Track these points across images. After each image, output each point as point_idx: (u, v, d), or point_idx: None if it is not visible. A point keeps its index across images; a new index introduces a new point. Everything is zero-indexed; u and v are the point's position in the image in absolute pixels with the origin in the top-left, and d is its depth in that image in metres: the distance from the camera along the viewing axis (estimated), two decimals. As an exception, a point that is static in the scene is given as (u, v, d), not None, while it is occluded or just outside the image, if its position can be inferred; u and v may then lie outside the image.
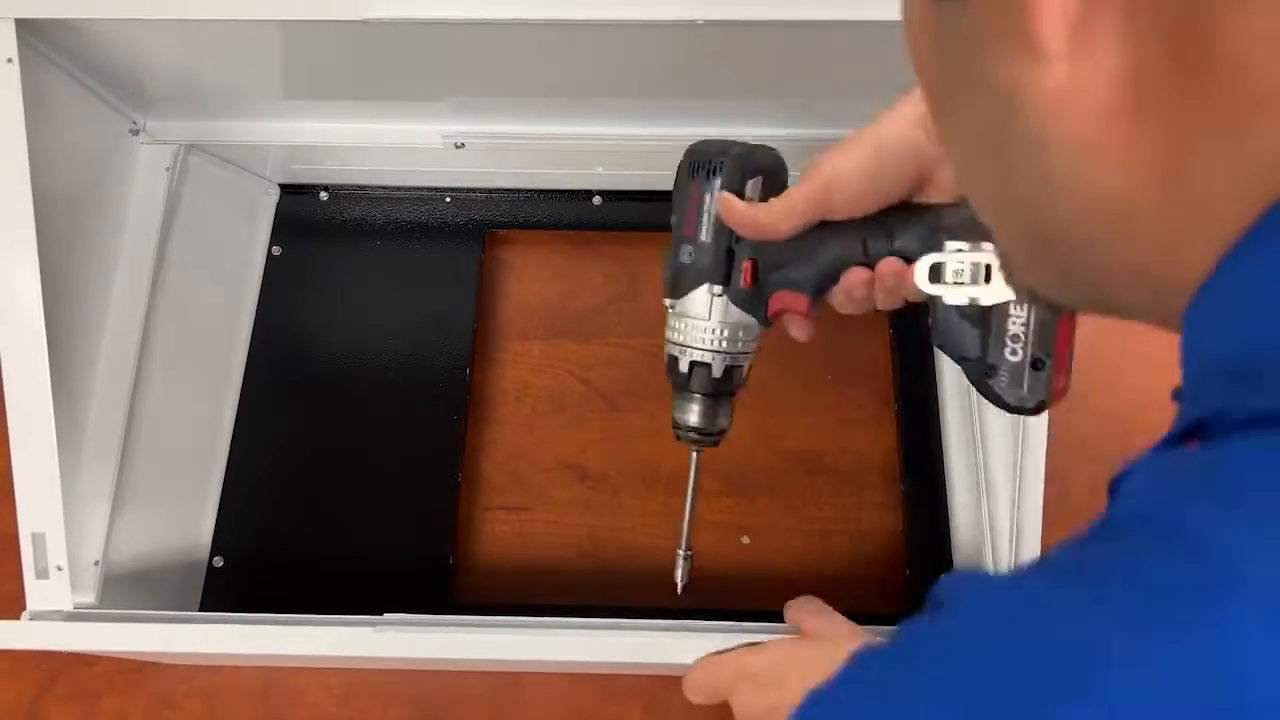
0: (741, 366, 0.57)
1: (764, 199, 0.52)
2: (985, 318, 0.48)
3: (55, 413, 0.59)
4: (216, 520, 0.74)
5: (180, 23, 0.63)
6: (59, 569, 0.59)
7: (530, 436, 0.78)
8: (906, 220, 0.49)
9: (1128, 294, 0.27)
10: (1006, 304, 0.48)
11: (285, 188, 0.83)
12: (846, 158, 0.47)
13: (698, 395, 0.57)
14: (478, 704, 0.71)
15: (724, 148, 0.54)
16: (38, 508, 0.59)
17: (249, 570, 0.73)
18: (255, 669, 0.72)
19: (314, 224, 0.83)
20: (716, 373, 0.56)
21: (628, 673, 0.70)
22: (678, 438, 0.60)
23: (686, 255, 0.55)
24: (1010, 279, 0.32)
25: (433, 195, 0.83)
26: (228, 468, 0.75)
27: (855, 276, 0.50)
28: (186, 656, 0.68)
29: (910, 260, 0.49)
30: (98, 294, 0.69)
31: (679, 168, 0.56)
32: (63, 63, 0.65)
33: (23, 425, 0.59)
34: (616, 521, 0.75)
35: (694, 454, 0.60)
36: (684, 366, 0.56)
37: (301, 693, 0.71)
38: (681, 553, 0.61)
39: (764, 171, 0.54)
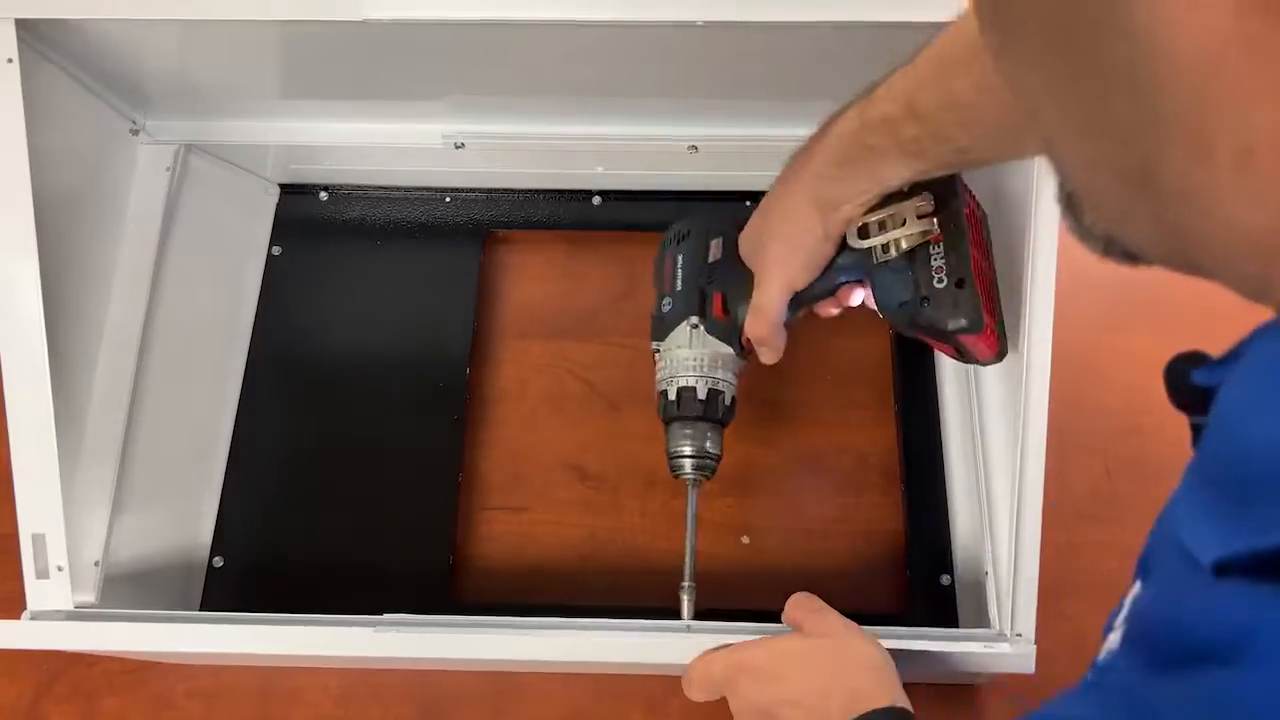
0: (724, 393, 0.64)
1: (725, 252, 0.65)
2: (910, 263, 0.57)
3: (55, 413, 0.59)
4: (216, 520, 0.74)
5: (180, 23, 0.63)
6: (59, 569, 0.59)
7: (530, 436, 0.78)
8: (842, 253, 0.59)
9: (1231, 260, 0.23)
10: (925, 244, 0.57)
11: (285, 188, 0.83)
12: (795, 258, 0.59)
13: (688, 420, 0.63)
14: (477, 704, 0.71)
15: (687, 223, 0.68)
16: (38, 508, 0.59)
17: (249, 570, 0.73)
18: (255, 669, 0.72)
19: (314, 224, 0.83)
20: (701, 394, 0.63)
21: (628, 673, 0.70)
22: (675, 474, 0.65)
23: (666, 304, 0.65)
24: (1085, 225, 0.29)
25: (433, 195, 0.83)
26: (228, 468, 0.75)
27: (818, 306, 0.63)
28: (187, 656, 0.68)
29: (856, 281, 0.60)
30: (98, 294, 0.69)
31: (658, 251, 0.68)
32: (63, 63, 0.65)
33: (23, 426, 0.59)
34: (616, 522, 0.75)
35: (692, 489, 0.64)
36: (672, 395, 0.63)
37: (301, 693, 0.71)
38: (686, 584, 0.63)
39: (721, 233, 0.65)
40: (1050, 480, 0.59)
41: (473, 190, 0.82)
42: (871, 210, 0.57)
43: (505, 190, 0.82)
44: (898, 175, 0.54)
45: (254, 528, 0.74)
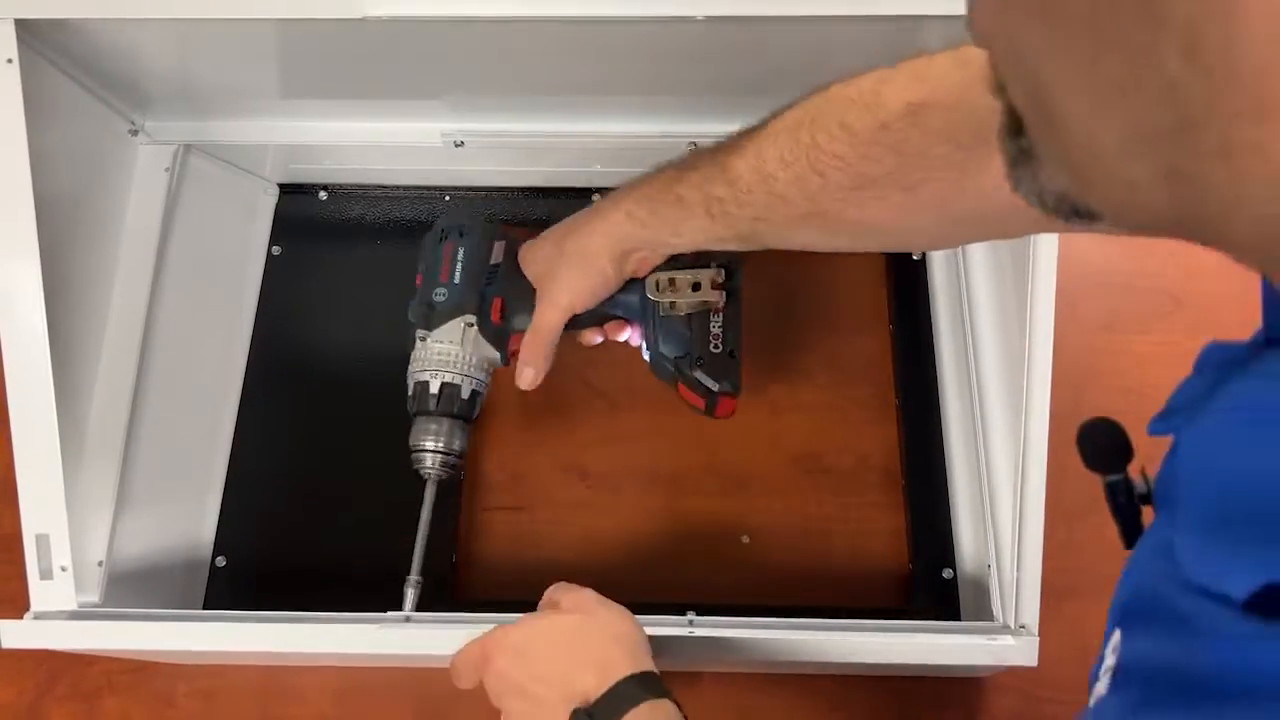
0: (480, 395, 0.64)
1: (507, 259, 0.65)
2: (689, 324, 0.63)
3: (57, 414, 0.59)
4: (219, 520, 0.74)
5: (180, 23, 0.63)
6: (63, 570, 0.59)
7: (530, 436, 0.78)
8: (625, 291, 0.63)
9: (1258, 223, 0.21)
10: (707, 310, 0.63)
11: (284, 187, 0.83)
12: (573, 294, 0.61)
13: (442, 417, 0.63)
14: (478, 703, 0.71)
15: (472, 217, 0.66)
16: (41, 509, 0.59)
17: (251, 570, 0.73)
18: (255, 669, 0.72)
19: (313, 224, 0.83)
20: (465, 394, 0.63)
21: (628, 671, 0.70)
22: (418, 471, 0.64)
23: (440, 295, 0.64)
24: (1040, 180, 0.27)
25: (432, 194, 0.83)
26: (229, 467, 0.75)
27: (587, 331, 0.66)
28: (190, 655, 0.68)
29: (631, 315, 0.64)
30: (98, 294, 0.69)
31: (427, 236, 0.67)
32: (62, 63, 0.65)
33: (25, 427, 0.59)
34: (616, 522, 0.75)
35: (432, 486, 0.64)
36: (435, 388, 0.63)
37: (301, 692, 0.71)
38: (412, 578, 0.62)
39: (504, 239, 0.66)
40: (1050, 480, 0.59)
41: (472, 189, 0.82)
42: (667, 265, 0.62)
43: (505, 189, 0.82)
44: (693, 238, 0.58)
45: (256, 527, 0.74)
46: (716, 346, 0.63)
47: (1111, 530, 0.73)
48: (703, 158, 0.56)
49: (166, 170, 0.74)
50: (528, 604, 0.66)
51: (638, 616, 0.59)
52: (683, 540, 0.74)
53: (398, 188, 0.83)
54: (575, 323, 0.64)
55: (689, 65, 0.69)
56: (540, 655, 0.51)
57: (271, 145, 0.79)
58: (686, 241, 0.59)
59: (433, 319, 0.63)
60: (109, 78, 0.69)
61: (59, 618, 0.59)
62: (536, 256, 0.64)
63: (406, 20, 0.61)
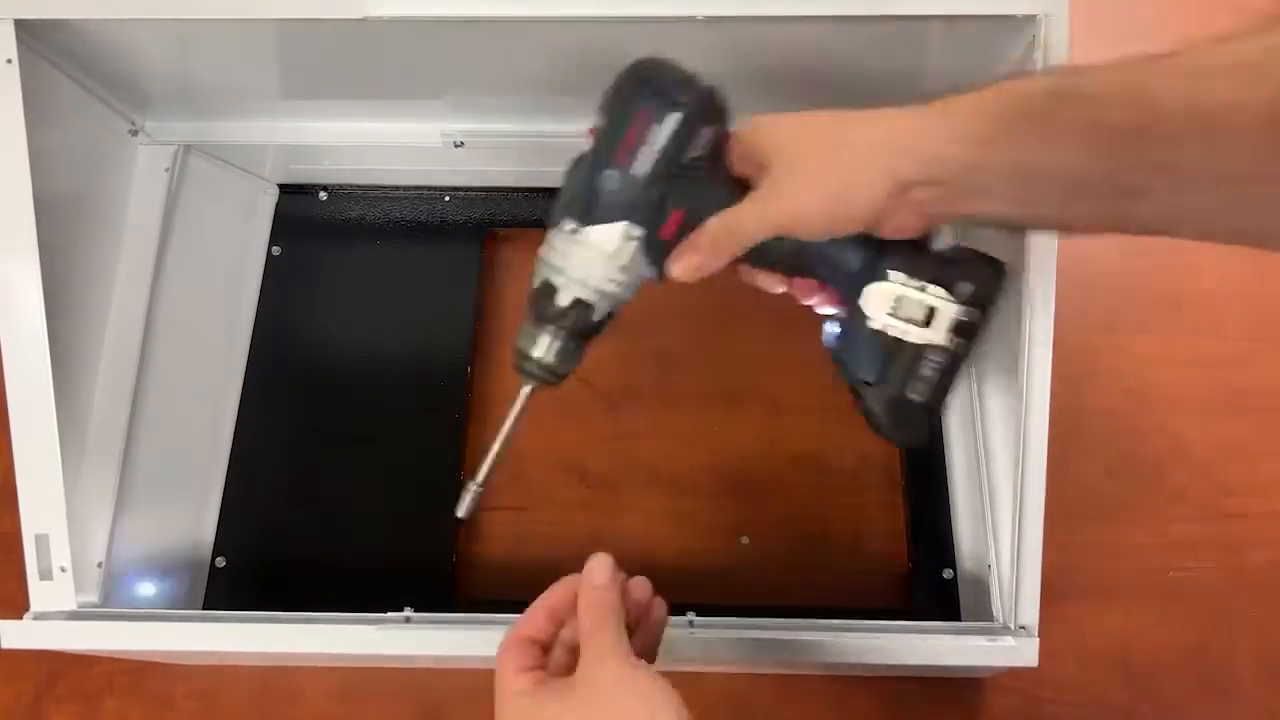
0: (614, 314, 0.52)
1: (712, 154, 0.49)
2: (898, 350, 0.50)
3: (57, 414, 0.59)
4: (218, 520, 0.74)
5: (180, 23, 0.63)
6: (62, 570, 0.59)
7: (530, 436, 0.77)
8: (855, 246, 0.49)
9: None
10: (926, 347, 0.49)
11: (284, 188, 0.83)
12: (811, 201, 0.45)
13: (563, 332, 0.51)
14: (478, 703, 0.71)
15: (686, 80, 0.49)
16: (41, 509, 0.59)
17: (251, 570, 0.73)
18: (255, 669, 0.72)
19: (313, 224, 0.83)
20: (596, 316, 0.51)
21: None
22: (519, 369, 0.53)
23: (612, 183, 0.49)
24: None
25: (432, 194, 0.83)
26: (229, 468, 0.75)
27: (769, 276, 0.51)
28: (190, 655, 0.68)
29: (836, 284, 0.50)
30: (98, 295, 0.69)
31: (623, 77, 0.49)
32: (62, 63, 0.65)
33: (25, 427, 0.59)
34: (616, 522, 0.75)
35: (528, 388, 0.53)
36: (564, 300, 0.50)
37: (301, 692, 0.71)
38: (473, 485, 0.55)
39: (716, 122, 0.50)
40: (1050, 480, 0.59)
41: (472, 189, 0.82)
42: (909, 266, 0.48)
43: (505, 189, 0.82)
44: (1027, 192, 0.41)
45: (256, 527, 0.74)
46: (916, 394, 0.50)
47: (1112, 530, 0.72)
48: (1092, 75, 0.39)
49: (166, 170, 0.74)
50: (528, 604, 0.66)
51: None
52: (683, 540, 0.74)
53: (398, 188, 0.83)
54: (768, 252, 0.48)
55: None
56: None
57: (271, 145, 0.79)
58: (1008, 194, 0.41)
59: (590, 211, 0.49)
60: (109, 78, 0.69)
61: (59, 618, 0.59)
62: (787, 133, 0.47)
63: (406, 20, 0.61)
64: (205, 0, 0.61)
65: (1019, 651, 0.57)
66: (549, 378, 0.53)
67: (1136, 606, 0.71)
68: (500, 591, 0.73)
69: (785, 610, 0.62)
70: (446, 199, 0.83)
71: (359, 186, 0.83)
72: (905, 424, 0.51)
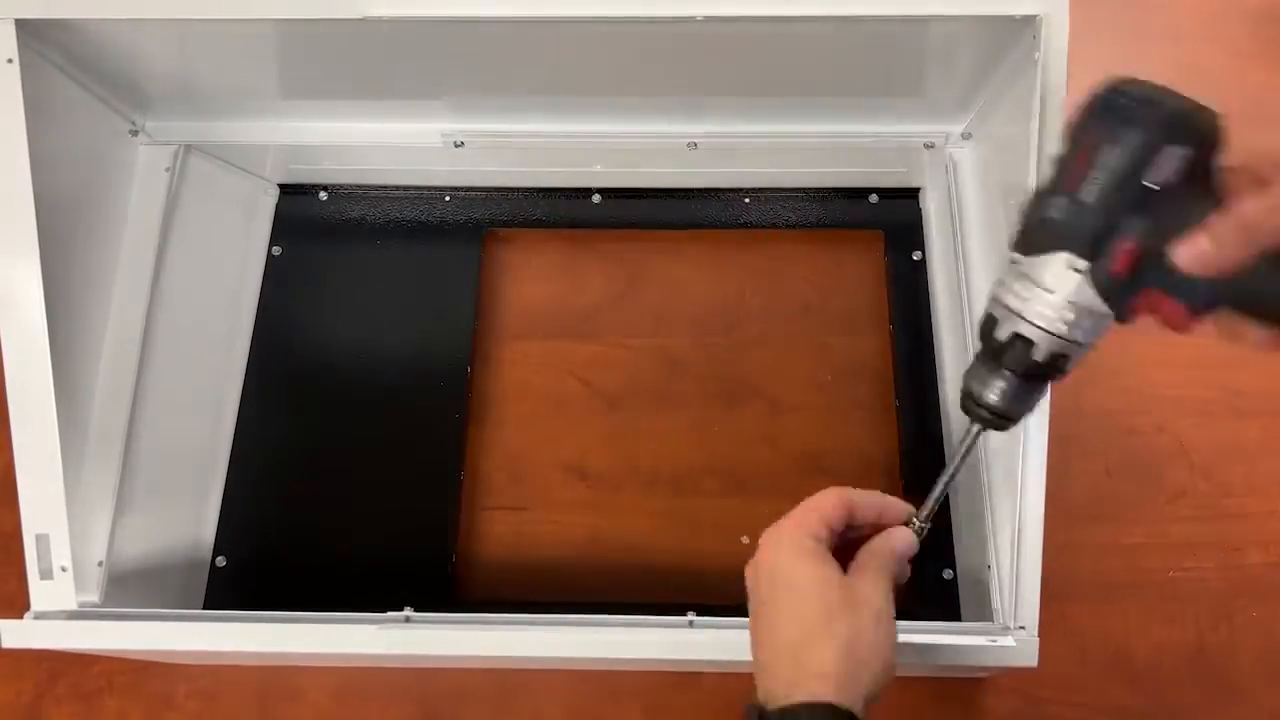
0: (1070, 357, 0.47)
1: (1181, 180, 0.42)
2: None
3: (58, 414, 0.59)
4: (219, 520, 0.74)
5: (179, 22, 0.63)
6: (63, 570, 0.60)
7: (530, 436, 0.78)
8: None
9: None
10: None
11: (285, 188, 0.83)
12: None
13: (1006, 372, 0.48)
14: (478, 703, 0.71)
15: (1150, 97, 0.43)
16: (41, 509, 0.59)
17: (251, 570, 0.73)
18: (255, 669, 0.72)
19: (314, 224, 0.83)
20: (1039, 355, 0.47)
21: (628, 669, 0.70)
22: (965, 409, 0.50)
23: (1056, 210, 0.45)
24: None
25: (432, 194, 0.83)
26: (229, 468, 0.75)
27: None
28: (191, 655, 0.68)
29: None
30: (99, 295, 0.69)
31: (1087, 97, 0.45)
32: (63, 63, 0.65)
33: (26, 427, 0.59)
34: (617, 522, 0.75)
35: (975, 429, 0.50)
36: (1003, 335, 0.47)
37: (302, 692, 0.71)
38: (916, 521, 0.52)
39: (1188, 143, 0.42)
40: (1050, 480, 0.59)
41: (472, 189, 0.82)
42: None
43: (504, 189, 0.82)
44: None
45: (256, 527, 0.74)
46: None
47: (1112, 530, 0.72)
48: None
49: (166, 170, 0.74)
50: (528, 604, 0.66)
51: (639, 618, 0.60)
52: (683, 540, 0.74)
53: (398, 188, 0.83)
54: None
55: (689, 65, 0.69)
56: (783, 604, 0.47)
57: (271, 145, 0.79)
58: None
59: (1033, 241, 0.46)
60: (109, 78, 0.70)
61: (59, 618, 0.60)
62: None
63: (406, 20, 0.61)
64: (205, 0, 0.62)
65: (1019, 651, 0.57)
66: (994, 421, 0.50)
67: (1136, 606, 0.71)
68: (500, 591, 0.73)
69: (785, 610, 0.62)
70: (446, 199, 0.83)
71: (359, 186, 0.83)
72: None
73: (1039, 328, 0.46)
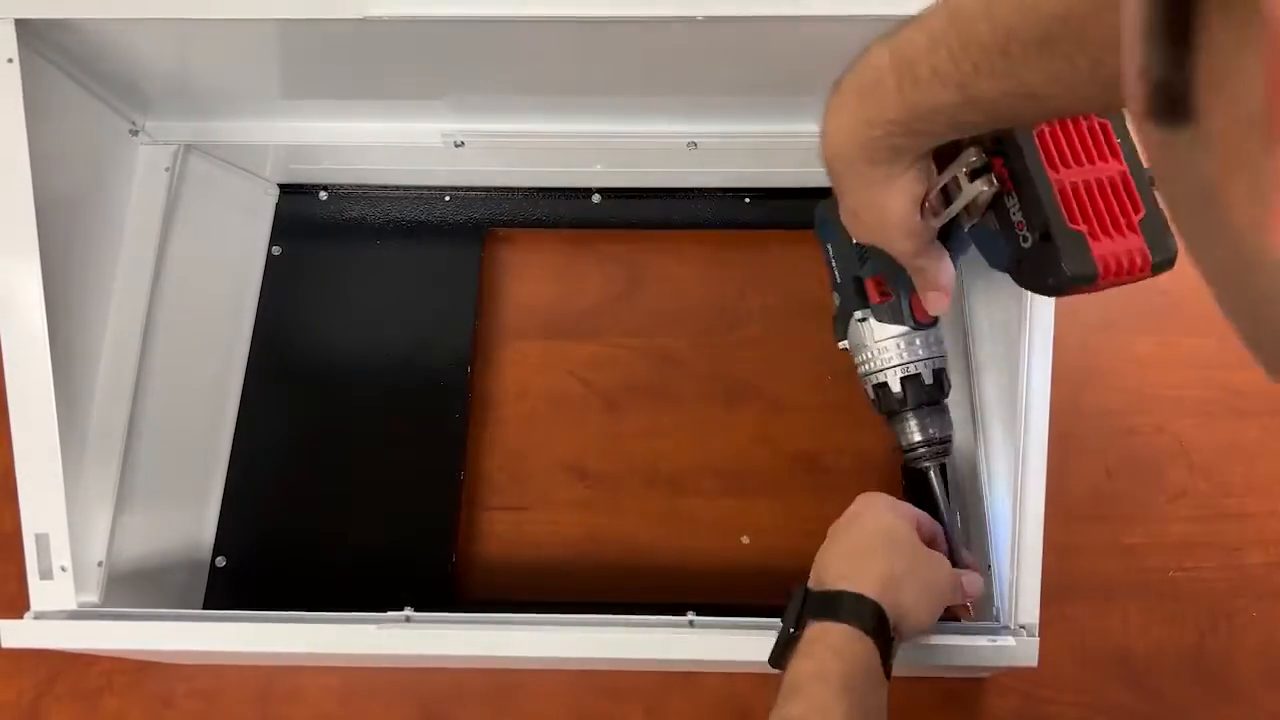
0: (921, 374, 0.60)
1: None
2: (999, 224, 0.50)
3: (58, 414, 0.59)
4: (219, 520, 0.74)
5: (179, 22, 0.63)
6: (63, 569, 0.59)
7: (530, 436, 0.78)
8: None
9: None
10: (1002, 197, 0.49)
11: (285, 188, 0.83)
12: (903, 190, 0.49)
13: (906, 413, 0.60)
14: (478, 704, 0.71)
15: (824, 208, 0.61)
16: (41, 509, 0.59)
17: (251, 570, 0.73)
18: (255, 669, 0.72)
19: (314, 224, 0.83)
20: (897, 386, 0.60)
21: (628, 669, 0.70)
22: (912, 464, 0.62)
23: (836, 300, 0.62)
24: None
25: (432, 194, 0.83)
26: (229, 467, 0.75)
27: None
28: (191, 655, 0.68)
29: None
30: (99, 294, 0.69)
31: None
32: (63, 63, 0.65)
33: (25, 427, 0.59)
34: (616, 522, 0.75)
35: (929, 470, 0.62)
36: (896, 386, 0.60)
37: (301, 692, 0.71)
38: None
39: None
40: (1050, 480, 0.59)
41: (472, 189, 0.82)
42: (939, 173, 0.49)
43: (505, 189, 0.82)
44: (931, 121, 0.44)
45: (256, 527, 0.74)
46: (1025, 238, 0.48)
47: (1112, 530, 0.72)
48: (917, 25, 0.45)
49: (167, 170, 0.74)
50: (527, 604, 0.66)
51: (638, 618, 0.60)
52: (683, 540, 0.74)
53: (398, 188, 0.82)
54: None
55: (689, 65, 0.69)
56: (869, 524, 0.56)
57: (271, 145, 0.79)
58: (930, 121, 0.44)
59: (837, 327, 0.63)
60: (109, 78, 0.69)
61: (59, 618, 0.60)
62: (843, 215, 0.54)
63: (406, 20, 0.61)
64: (205, 0, 0.62)
65: (1019, 651, 0.57)
66: (932, 452, 0.61)
67: (1136, 606, 0.71)
68: (500, 591, 0.73)
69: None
70: (446, 199, 0.83)
71: (359, 186, 0.83)
72: (1050, 268, 0.48)
73: (883, 369, 0.60)
